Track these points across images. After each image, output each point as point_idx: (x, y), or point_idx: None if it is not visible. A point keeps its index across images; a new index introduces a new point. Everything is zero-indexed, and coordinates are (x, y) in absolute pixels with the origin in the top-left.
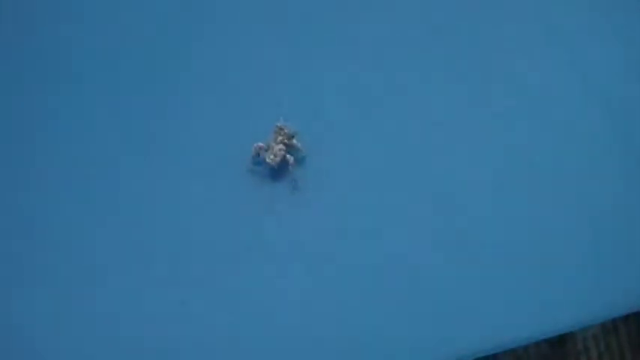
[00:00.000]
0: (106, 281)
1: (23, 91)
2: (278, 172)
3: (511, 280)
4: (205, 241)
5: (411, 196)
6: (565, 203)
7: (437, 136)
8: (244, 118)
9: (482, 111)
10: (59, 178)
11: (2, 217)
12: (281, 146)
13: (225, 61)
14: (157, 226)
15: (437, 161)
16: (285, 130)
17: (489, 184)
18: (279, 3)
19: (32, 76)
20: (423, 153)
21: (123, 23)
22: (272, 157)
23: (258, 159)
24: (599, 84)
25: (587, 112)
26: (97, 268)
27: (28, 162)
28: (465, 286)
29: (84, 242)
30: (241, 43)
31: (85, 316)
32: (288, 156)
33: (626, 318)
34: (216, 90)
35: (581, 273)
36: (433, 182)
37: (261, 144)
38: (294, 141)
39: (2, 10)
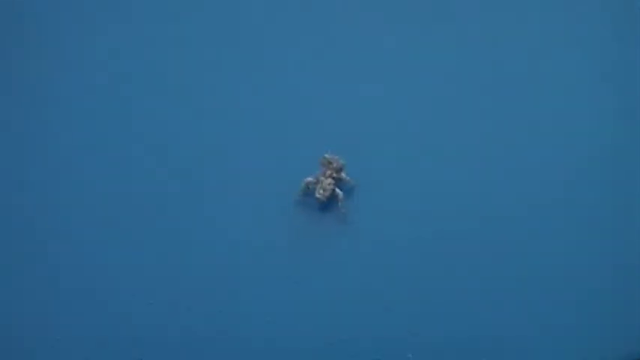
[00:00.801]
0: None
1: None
2: (328, 205)
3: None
4: (254, 277)
5: (461, 226)
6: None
7: (485, 163)
8: (292, 151)
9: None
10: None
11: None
12: (330, 180)
13: (271, 93)
14: (205, 261)
15: (487, 189)
16: (334, 164)
17: (546, 212)
18: (321, 31)
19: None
20: (471, 180)
21: (166, 51)
22: (322, 191)
23: (307, 192)
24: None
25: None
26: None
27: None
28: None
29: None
30: (287, 74)
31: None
32: (337, 190)
33: None
34: (263, 123)
35: None
36: (483, 210)
37: (310, 178)
38: (343, 174)
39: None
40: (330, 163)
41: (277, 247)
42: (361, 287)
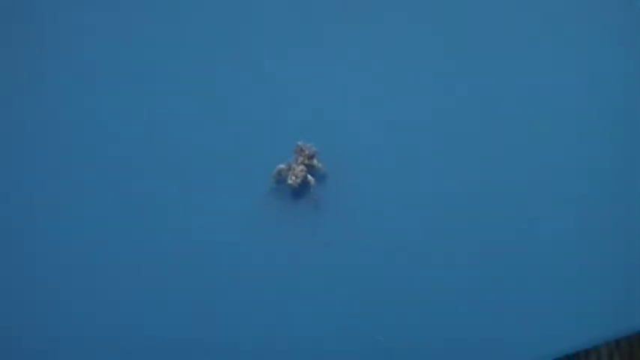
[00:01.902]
0: (123, 295)
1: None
2: (300, 192)
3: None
4: (227, 263)
5: (434, 212)
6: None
7: (459, 149)
8: (264, 139)
9: (507, 125)
10: (81, 188)
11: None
12: (302, 167)
13: (244, 81)
14: (177, 249)
15: (458, 176)
16: (306, 151)
17: (516, 198)
18: (297, 19)
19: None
20: (445, 168)
21: (142, 41)
22: (293, 178)
23: (279, 179)
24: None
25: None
26: (116, 281)
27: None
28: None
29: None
30: (260, 62)
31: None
32: (309, 177)
33: None
34: (236, 111)
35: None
36: (457, 198)
37: (282, 165)
38: (315, 161)
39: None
40: (302, 150)
41: (251, 233)
42: (334, 273)
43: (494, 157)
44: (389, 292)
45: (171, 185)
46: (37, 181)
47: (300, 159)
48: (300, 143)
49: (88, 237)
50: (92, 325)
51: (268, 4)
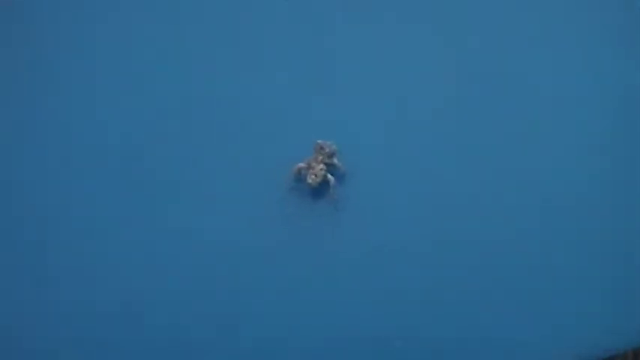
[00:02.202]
0: (137, 296)
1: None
2: (319, 190)
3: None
4: (246, 263)
5: (451, 212)
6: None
7: (470, 148)
8: (285, 137)
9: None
10: (100, 192)
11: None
12: (322, 166)
13: (266, 80)
14: (198, 245)
15: (472, 175)
16: (326, 150)
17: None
18: (315, 22)
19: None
20: (463, 170)
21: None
22: (313, 177)
23: (299, 178)
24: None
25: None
26: (135, 289)
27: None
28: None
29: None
30: (282, 62)
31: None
32: (329, 176)
33: None
34: (257, 110)
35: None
36: (473, 199)
37: (302, 164)
38: (335, 160)
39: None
40: (322, 148)
41: (270, 232)
42: (353, 273)
43: (512, 155)
44: (408, 292)
45: (188, 186)
46: (38, 181)
47: (320, 157)
48: (320, 141)
49: (97, 237)
50: (98, 326)
51: (275, 6)
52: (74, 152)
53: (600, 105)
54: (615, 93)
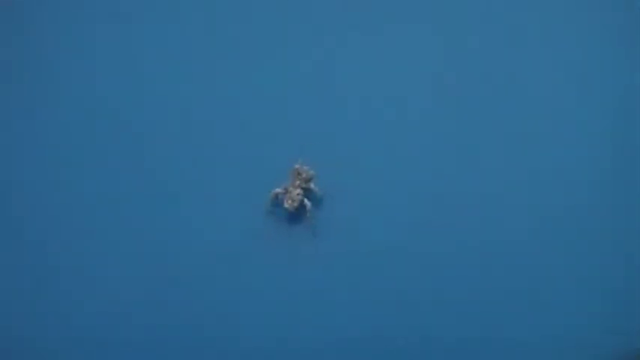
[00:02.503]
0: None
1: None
2: (296, 215)
3: None
4: (224, 287)
5: (434, 235)
6: None
7: (478, 152)
8: (260, 161)
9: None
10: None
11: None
12: (299, 190)
13: (239, 103)
14: (172, 268)
15: (461, 198)
16: (303, 175)
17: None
18: (292, 42)
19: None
20: (462, 170)
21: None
22: (290, 202)
23: (276, 202)
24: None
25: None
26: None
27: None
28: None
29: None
30: (255, 84)
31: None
32: (306, 201)
33: None
34: (232, 133)
35: None
36: (456, 221)
37: (278, 189)
38: (312, 184)
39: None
40: (299, 173)
41: (248, 255)
42: (330, 296)
43: (498, 161)
44: (387, 316)
45: (188, 188)
46: (37, 181)
47: (297, 182)
48: (297, 166)
49: (95, 237)
50: (97, 326)
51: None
52: (73, 152)
53: (600, 105)
54: (615, 93)
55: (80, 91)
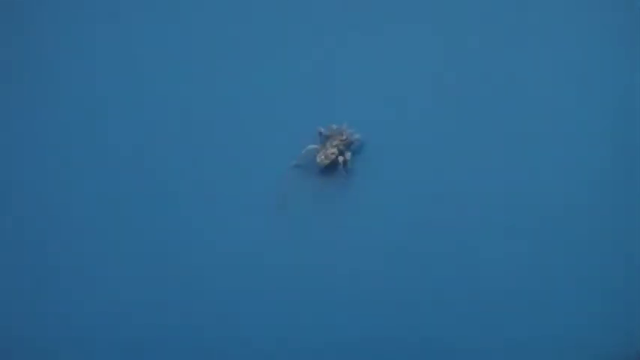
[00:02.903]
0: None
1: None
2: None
3: None
4: (222, 286)
5: (433, 235)
6: None
7: (459, 171)
8: (261, 161)
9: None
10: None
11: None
12: (334, 150)
13: (239, 103)
14: (173, 268)
15: (461, 198)
16: (343, 136)
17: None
18: (292, 41)
19: None
20: (462, 170)
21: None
22: (322, 157)
23: (305, 159)
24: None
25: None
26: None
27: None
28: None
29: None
30: (255, 84)
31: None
32: (339, 158)
33: None
34: (233, 133)
35: None
36: (456, 220)
37: (313, 146)
38: (348, 153)
39: None
40: (341, 133)
41: (248, 255)
42: (330, 297)
43: (498, 161)
44: (390, 316)
45: (189, 186)
46: (37, 181)
47: (336, 142)
48: (338, 126)
49: (95, 237)
50: (96, 326)
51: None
52: (73, 152)
53: (600, 105)
54: (615, 93)
55: (80, 91)
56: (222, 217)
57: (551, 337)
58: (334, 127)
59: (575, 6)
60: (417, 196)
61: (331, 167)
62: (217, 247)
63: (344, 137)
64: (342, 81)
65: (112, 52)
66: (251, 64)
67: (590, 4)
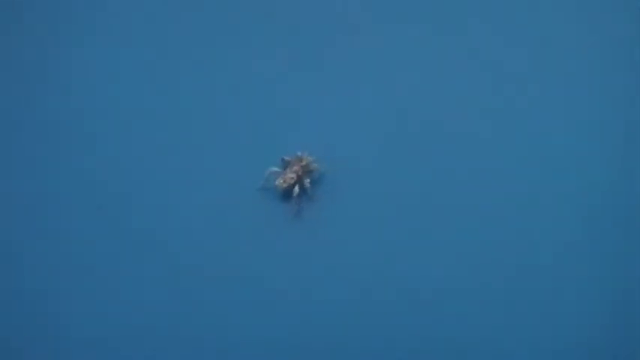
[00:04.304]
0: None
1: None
2: (285, 197)
3: None
4: (221, 286)
5: (434, 235)
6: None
7: (459, 171)
8: (261, 162)
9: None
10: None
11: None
12: (293, 175)
13: (240, 103)
14: (173, 268)
15: (461, 198)
16: (303, 162)
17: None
18: (292, 41)
19: None
20: (462, 171)
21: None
22: (281, 181)
23: (269, 182)
24: None
25: None
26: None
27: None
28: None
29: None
30: (255, 83)
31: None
32: (296, 187)
33: None
34: (233, 133)
35: None
36: (457, 221)
37: (275, 169)
38: (308, 180)
39: None
40: (300, 160)
41: (246, 253)
42: (329, 297)
43: (498, 161)
44: (390, 316)
45: (184, 185)
46: (37, 181)
47: (295, 167)
48: (300, 153)
49: (93, 237)
50: (95, 326)
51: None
52: (73, 152)
53: (600, 105)
54: (615, 93)
55: (80, 91)
56: (218, 218)
57: (551, 337)
58: (298, 154)
59: (576, 7)
60: (420, 191)
61: (291, 192)
62: (214, 247)
63: (303, 163)
64: (341, 82)
65: (112, 52)
66: (251, 65)
67: (590, 5)
